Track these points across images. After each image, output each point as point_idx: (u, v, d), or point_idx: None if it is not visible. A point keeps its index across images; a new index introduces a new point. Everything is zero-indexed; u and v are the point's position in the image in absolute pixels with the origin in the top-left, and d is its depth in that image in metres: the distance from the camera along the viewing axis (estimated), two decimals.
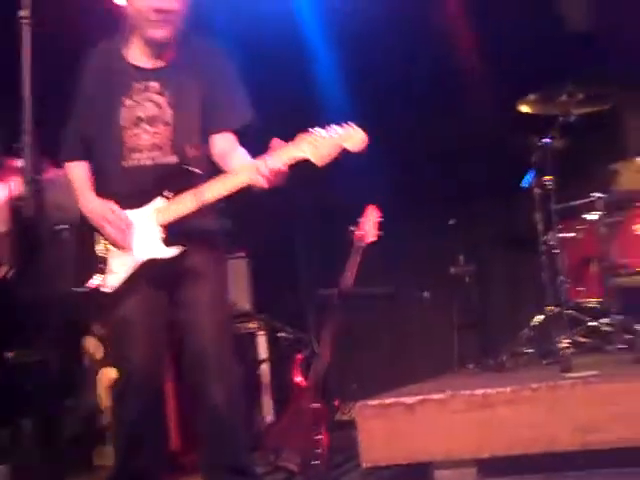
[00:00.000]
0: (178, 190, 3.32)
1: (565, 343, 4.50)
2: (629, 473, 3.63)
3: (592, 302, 5.03)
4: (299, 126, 3.15)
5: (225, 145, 3.45)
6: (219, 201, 3.30)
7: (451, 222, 5.86)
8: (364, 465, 3.83)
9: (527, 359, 4.88)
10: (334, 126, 3.11)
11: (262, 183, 3.15)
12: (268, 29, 5.54)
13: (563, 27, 5.86)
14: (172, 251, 3.32)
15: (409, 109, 5.88)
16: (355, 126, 3.11)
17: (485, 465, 3.78)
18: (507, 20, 5.67)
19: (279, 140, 3.16)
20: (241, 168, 3.26)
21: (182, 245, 3.33)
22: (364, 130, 3.09)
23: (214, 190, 3.25)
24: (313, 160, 3.08)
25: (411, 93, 5.79)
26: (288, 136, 3.15)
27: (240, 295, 5.54)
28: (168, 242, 3.33)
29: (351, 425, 3.93)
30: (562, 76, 5.00)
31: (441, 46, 5.82)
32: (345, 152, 3.10)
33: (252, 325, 5.62)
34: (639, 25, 5.22)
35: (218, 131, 3.45)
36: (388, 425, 3.85)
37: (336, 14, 5.87)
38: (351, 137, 3.09)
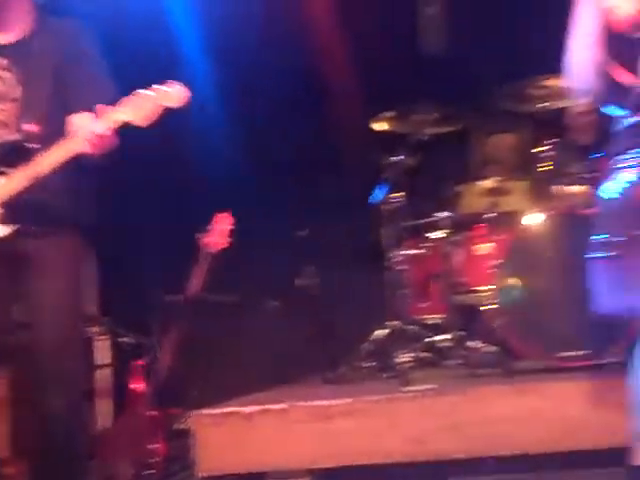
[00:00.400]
0: (17, 167, 3.22)
1: (405, 358, 4.60)
2: None
3: (434, 318, 5.15)
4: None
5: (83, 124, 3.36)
6: (62, 176, 3.19)
7: (302, 233, 5.89)
8: (199, 474, 3.79)
9: (368, 372, 4.95)
10: (156, 85, 3.09)
11: (89, 149, 3.10)
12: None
13: (421, 49, 6.01)
14: (5, 230, 3.19)
15: (264, 118, 5.88)
16: (176, 83, 3.09)
17: (320, 476, 3.81)
18: (366, 38, 5.76)
19: (103, 105, 3.11)
20: (69, 136, 3.19)
21: (18, 224, 3.20)
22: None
23: (45, 161, 3.17)
24: (136, 122, 3.06)
25: (268, 103, 5.79)
26: None
27: (86, 297, 5.39)
28: (4, 220, 3.20)
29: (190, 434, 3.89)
30: (416, 96, 5.12)
31: (301, 60, 5.85)
32: (169, 111, 3.08)
33: (95, 329, 5.49)
34: (488, 53, 5.40)
35: (79, 110, 3.35)
36: (226, 434, 3.83)
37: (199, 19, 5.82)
38: (171, 94, 3.08)
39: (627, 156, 3.13)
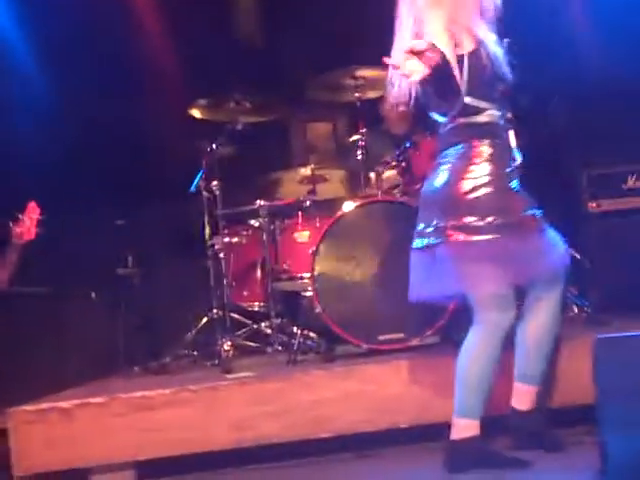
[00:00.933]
0: None
1: (227, 345, 4.62)
2: (281, 466, 3.81)
3: (256, 305, 5.20)
4: None
5: None
6: None
7: (119, 222, 5.78)
8: (17, 474, 3.68)
9: (191, 361, 4.95)
10: None
11: None
12: None
13: (239, 37, 6.04)
14: None
15: (79, 106, 5.71)
16: None
17: (144, 467, 3.78)
18: (185, 26, 5.72)
19: None
20: None
21: None
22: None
23: None
24: None
25: (83, 90, 5.64)
26: None
27: None
28: None
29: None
30: (234, 84, 5.13)
31: (119, 47, 5.72)
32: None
33: None
34: (303, 43, 5.46)
35: None
36: (45, 431, 3.74)
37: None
38: None
39: (445, 155, 3.36)
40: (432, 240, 3.45)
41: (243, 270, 5.25)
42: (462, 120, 3.40)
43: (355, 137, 4.83)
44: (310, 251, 4.50)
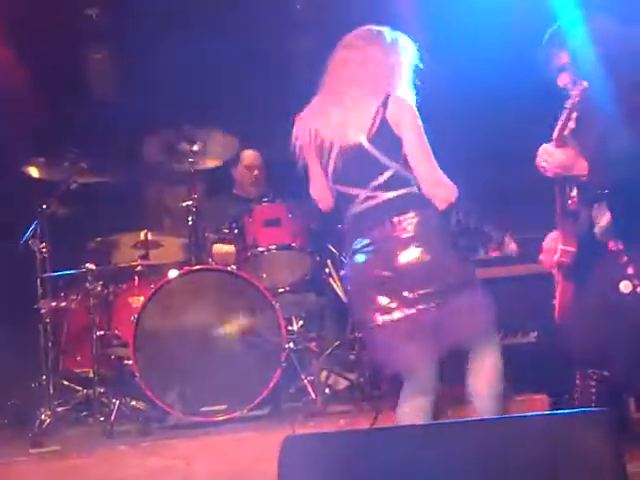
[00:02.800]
0: None
1: (45, 415, 4.42)
2: None
3: (87, 371, 5.00)
4: None
5: None
6: None
7: None
8: None
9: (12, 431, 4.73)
10: None
11: None
12: None
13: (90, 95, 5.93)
14: None
15: None
16: None
17: None
18: (31, 81, 5.59)
19: None
20: None
21: None
22: None
23: None
24: None
25: None
26: None
27: None
28: None
29: None
30: (74, 143, 5.00)
31: None
32: None
33: None
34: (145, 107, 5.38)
35: None
36: None
37: None
38: None
39: (358, 242, 3.34)
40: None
41: (77, 335, 5.06)
42: None
43: (186, 203, 4.73)
44: (132, 318, 4.36)
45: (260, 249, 4.75)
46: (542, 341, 4.74)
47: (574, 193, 3.23)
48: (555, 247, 3.30)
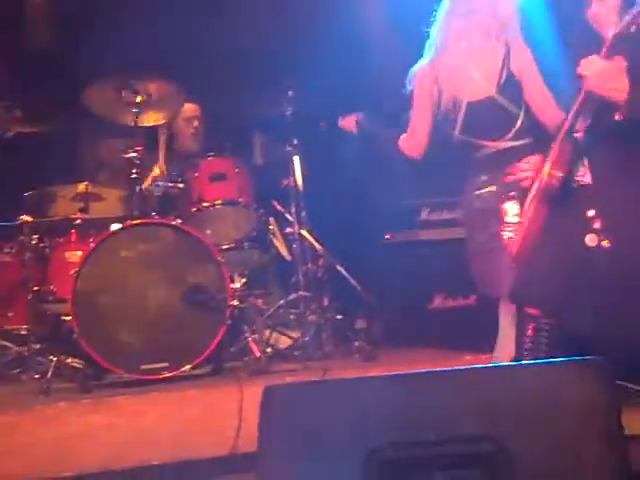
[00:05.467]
0: None
1: None
2: None
3: (23, 329, 4.83)
4: None
5: None
6: None
7: None
8: None
9: None
10: None
11: None
12: None
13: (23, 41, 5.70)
14: None
15: None
16: None
17: None
18: None
19: None
20: None
21: None
22: None
23: None
24: None
25: None
26: None
27: None
28: None
29: None
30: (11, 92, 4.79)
31: None
32: None
33: None
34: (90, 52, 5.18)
35: None
36: None
37: None
38: None
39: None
40: None
41: (8, 290, 4.87)
42: None
43: (130, 155, 4.56)
44: (72, 272, 4.21)
45: (205, 204, 4.64)
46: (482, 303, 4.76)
47: (587, 124, 3.21)
48: (537, 170, 3.29)
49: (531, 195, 3.30)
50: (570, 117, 3.20)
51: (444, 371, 2.03)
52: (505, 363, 3.28)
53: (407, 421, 1.81)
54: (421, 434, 1.80)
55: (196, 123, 5.42)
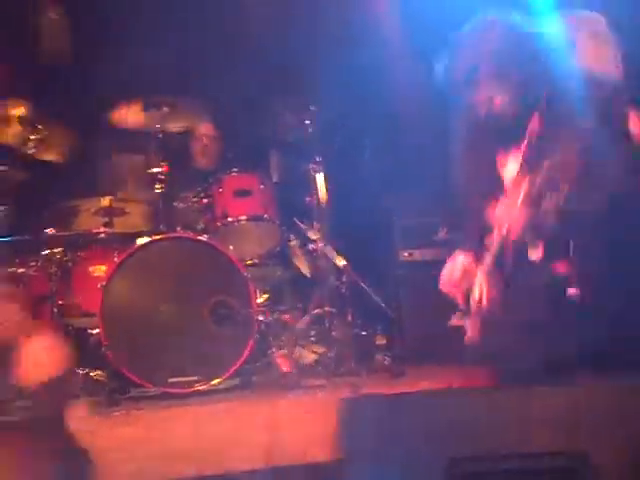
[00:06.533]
0: None
1: None
2: None
3: None
4: None
5: None
6: None
7: None
8: None
9: None
10: None
11: None
12: None
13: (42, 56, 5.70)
14: None
15: None
16: None
17: None
18: None
19: None
20: None
21: None
22: None
23: None
24: None
25: None
26: None
27: None
28: None
29: None
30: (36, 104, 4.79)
31: None
32: None
33: None
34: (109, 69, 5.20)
35: None
36: None
37: None
38: None
39: None
40: None
41: (33, 303, 4.86)
42: None
43: (155, 170, 4.59)
44: (100, 286, 4.21)
45: (230, 219, 4.66)
46: None
47: None
48: None
49: None
50: None
51: (526, 386, 2.03)
52: None
53: (486, 434, 1.82)
54: (499, 448, 1.80)
55: (205, 140, 5.42)
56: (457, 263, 3.41)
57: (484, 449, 1.83)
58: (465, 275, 3.34)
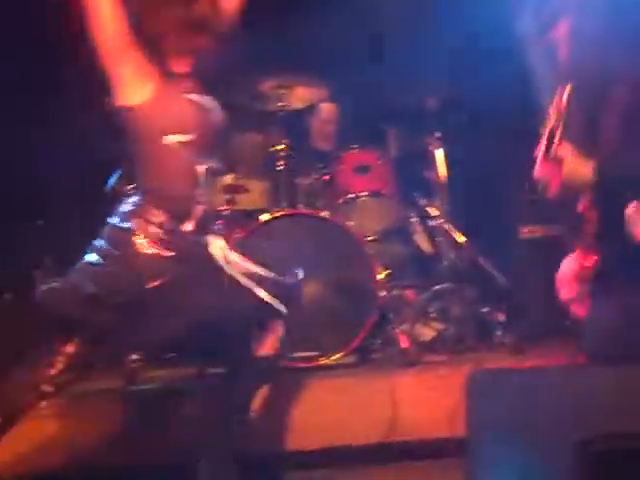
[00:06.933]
0: None
1: None
2: None
3: None
4: None
5: None
6: None
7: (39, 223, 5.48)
8: None
9: None
10: None
11: None
12: None
13: None
14: None
15: None
16: None
17: None
18: None
19: None
20: None
21: None
22: None
23: None
24: None
25: None
26: None
27: None
28: None
29: None
30: None
31: None
32: None
33: None
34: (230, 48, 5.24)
35: None
36: None
37: None
38: None
39: None
40: None
41: None
42: None
43: (277, 147, 4.66)
44: None
45: (350, 196, 4.70)
46: None
47: None
48: None
49: None
50: None
51: None
52: None
53: (621, 412, 1.80)
54: (635, 426, 1.78)
55: (332, 125, 5.43)
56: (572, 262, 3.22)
57: (616, 428, 1.80)
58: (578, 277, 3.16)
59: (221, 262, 3.04)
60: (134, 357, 4.21)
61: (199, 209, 3.07)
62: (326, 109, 5.45)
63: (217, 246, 3.08)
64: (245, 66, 4.95)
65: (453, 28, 5.06)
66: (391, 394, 3.72)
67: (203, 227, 3.10)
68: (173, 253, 2.96)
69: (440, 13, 5.17)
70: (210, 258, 3.04)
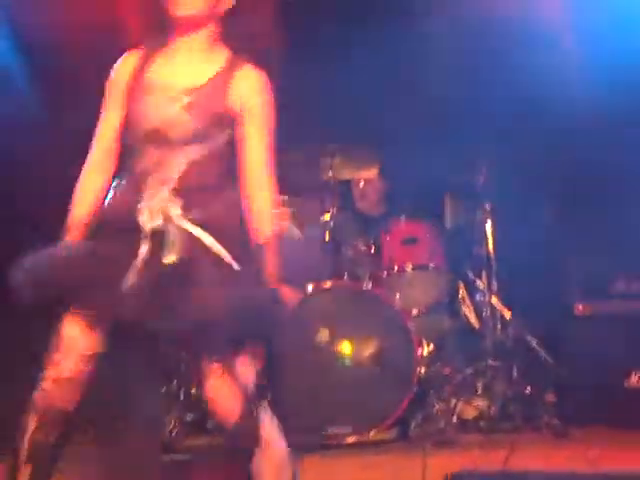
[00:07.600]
0: None
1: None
2: None
3: None
4: None
5: None
6: None
7: None
8: None
9: None
10: None
11: None
12: None
13: None
14: None
15: None
16: None
17: None
18: None
19: None
20: None
21: None
22: None
23: None
24: None
25: None
26: None
27: None
28: None
29: None
30: None
31: None
32: None
33: None
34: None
35: None
36: None
37: None
38: None
39: None
40: None
41: None
42: None
43: (324, 217, 4.68)
44: None
45: (395, 269, 4.67)
46: None
47: None
48: None
49: None
50: None
51: None
52: None
53: None
54: None
55: (364, 185, 5.39)
56: None
57: None
58: None
59: None
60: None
61: None
62: (372, 173, 5.44)
63: None
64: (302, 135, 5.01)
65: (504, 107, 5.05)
66: (422, 474, 3.65)
67: None
68: None
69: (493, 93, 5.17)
70: None
